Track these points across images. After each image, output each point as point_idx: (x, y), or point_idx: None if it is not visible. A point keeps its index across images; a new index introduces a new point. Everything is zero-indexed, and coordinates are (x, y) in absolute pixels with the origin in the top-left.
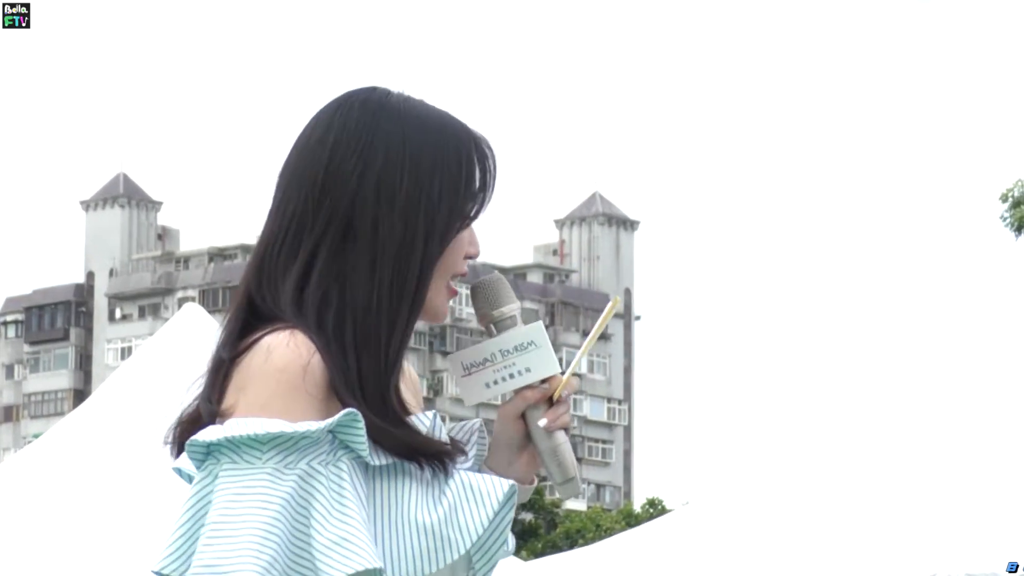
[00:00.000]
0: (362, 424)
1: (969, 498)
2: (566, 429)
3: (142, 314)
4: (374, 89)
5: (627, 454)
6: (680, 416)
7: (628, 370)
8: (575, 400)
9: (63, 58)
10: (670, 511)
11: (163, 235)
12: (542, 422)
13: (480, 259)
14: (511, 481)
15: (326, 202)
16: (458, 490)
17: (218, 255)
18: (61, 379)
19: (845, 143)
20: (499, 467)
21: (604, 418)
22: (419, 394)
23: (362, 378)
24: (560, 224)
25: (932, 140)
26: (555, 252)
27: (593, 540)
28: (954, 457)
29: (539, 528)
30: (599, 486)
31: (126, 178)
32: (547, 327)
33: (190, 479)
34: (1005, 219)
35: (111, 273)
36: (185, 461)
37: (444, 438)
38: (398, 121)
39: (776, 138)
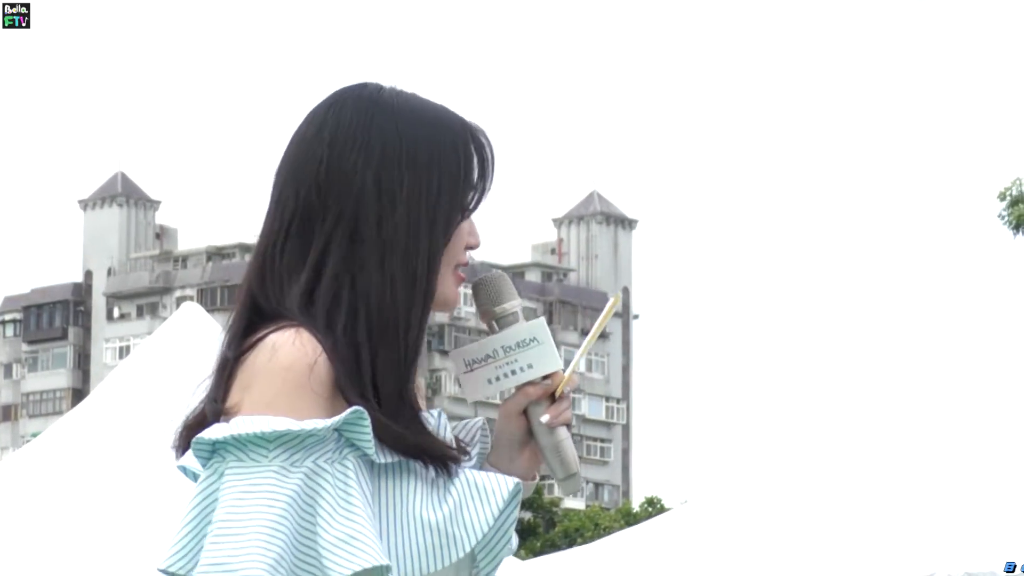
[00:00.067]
0: (368, 422)
1: (968, 498)
2: (568, 425)
3: (140, 313)
4: (365, 85)
5: (625, 453)
6: (678, 415)
7: (626, 369)
8: (573, 399)
9: (62, 58)
10: (669, 510)
11: (161, 234)
12: (544, 418)
13: (478, 258)
14: (516, 479)
15: (328, 202)
16: (463, 488)
17: (216, 254)
18: (59, 378)
19: (844, 142)
20: (501, 464)
21: (602, 417)
22: (423, 396)
23: (378, 375)
24: (558, 223)
25: (931, 139)
26: (553, 251)
27: (592, 539)
28: (953, 457)
29: (538, 527)
30: (597, 485)
31: (124, 177)
32: None
33: (195, 477)
34: (1003, 217)
35: (109, 272)
36: (190, 459)
37: (448, 437)
38: (392, 116)
39: (775, 137)
